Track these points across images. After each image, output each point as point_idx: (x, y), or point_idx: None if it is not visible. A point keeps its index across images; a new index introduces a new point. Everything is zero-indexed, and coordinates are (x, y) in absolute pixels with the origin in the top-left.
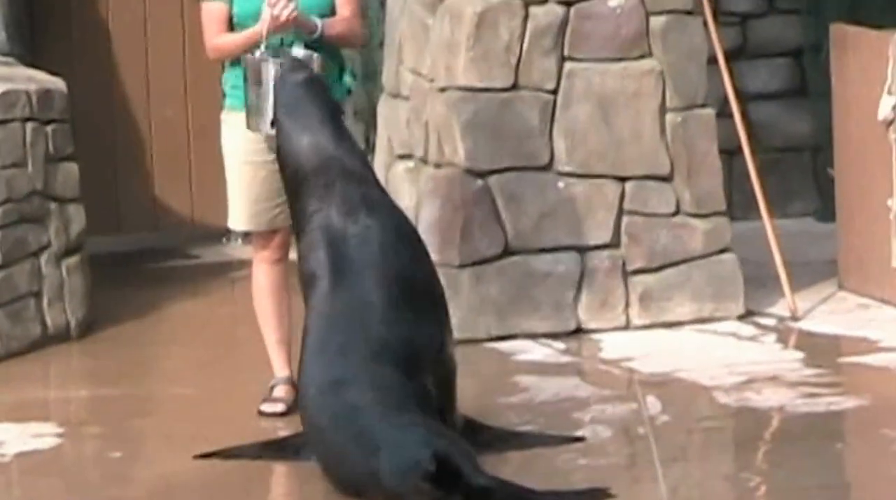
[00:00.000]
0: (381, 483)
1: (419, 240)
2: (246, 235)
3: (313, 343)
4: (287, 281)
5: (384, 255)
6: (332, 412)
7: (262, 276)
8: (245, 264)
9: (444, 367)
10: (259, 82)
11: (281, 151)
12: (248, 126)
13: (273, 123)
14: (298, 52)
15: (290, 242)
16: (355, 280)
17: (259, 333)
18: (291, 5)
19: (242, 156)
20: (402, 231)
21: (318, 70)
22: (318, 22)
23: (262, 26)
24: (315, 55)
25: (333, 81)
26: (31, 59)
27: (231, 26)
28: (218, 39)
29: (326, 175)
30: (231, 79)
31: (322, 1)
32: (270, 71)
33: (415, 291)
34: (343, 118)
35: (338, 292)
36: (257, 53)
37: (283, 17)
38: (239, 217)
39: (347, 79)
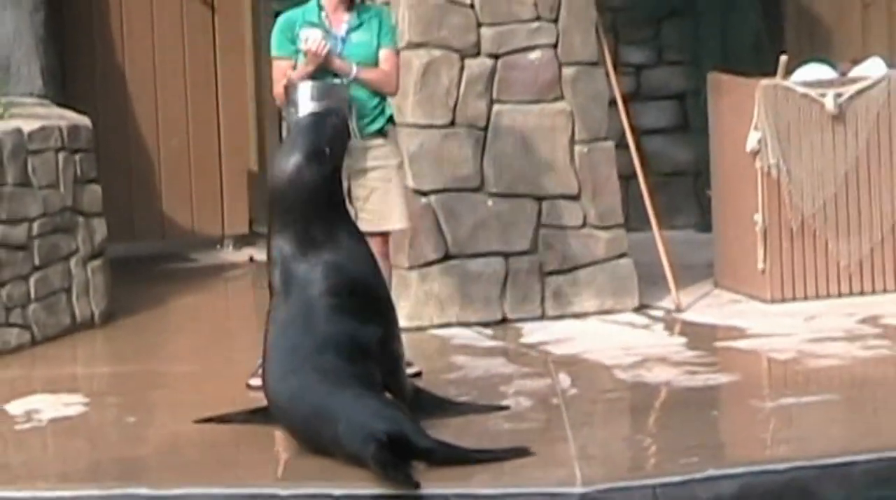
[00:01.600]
0: (342, 449)
1: (370, 257)
2: (236, 242)
3: (270, 342)
4: None
5: (327, 272)
6: (288, 396)
7: None
8: (235, 265)
9: (389, 356)
10: (294, 104)
11: (269, 175)
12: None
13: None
14: (334, 80)
15: None
16: (302, 293)
17: (245, 321)
18: (322, 40)
19: None
20: (349, 251)
21: (340, 98)
22: (354, 67)
23: (303, 65)
24: (343, 84)
25: (375, 113)
26: (62, 100)
27: None
28: (277, 86)
29: (289, 203)
30: None
31: (367, 55)
32: (301, 93)
33: (359, 298)
34: (329, 155)
35: (286, 303)
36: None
37: (313, 48)
38: None
39: (389, 111)
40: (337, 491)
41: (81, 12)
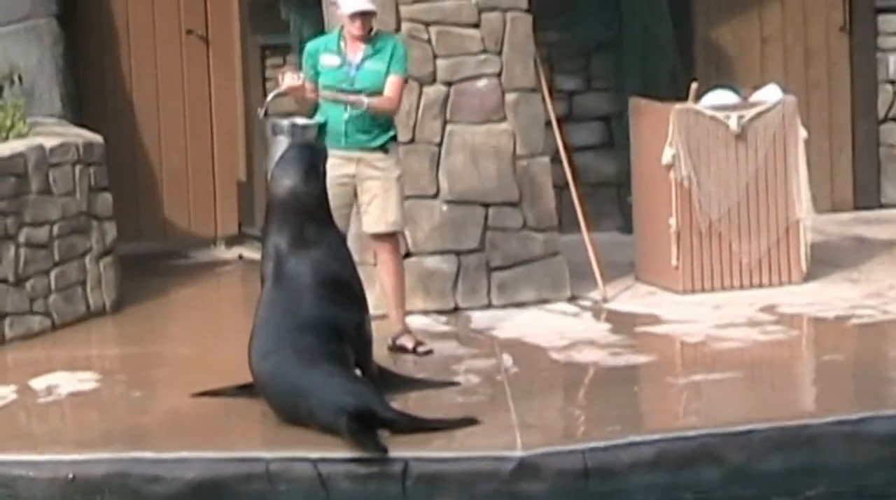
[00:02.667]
0: (317, 421)
1: (348, 256)
2: (227, 242)
3: (257, 323)
4: None
5: (315, 266)
6: (269, 372)
7: None
8: (227, 262)
9: (361, 339)
10: (270, 135)
11: (268, 186)
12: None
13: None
14: (300, 120)
15: None
16: (291, 282)
17: (235, 310)
18: (294, 76)
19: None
20: (334, 252)
21: (311, 136)
22: (366, 101)
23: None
24: (313, 125)
25: (378, 131)
26: (78, 120)
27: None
28: None
29: (288, 209)
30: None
31: (377, 81)
32: (277, 128)
33: (339, 289)
34: (318, 172)
35: (277, 289)
36: (272, 120)
37: (284, 84)
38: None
39: (392, 132)
40: (314, 455)
41: (95, 46)
